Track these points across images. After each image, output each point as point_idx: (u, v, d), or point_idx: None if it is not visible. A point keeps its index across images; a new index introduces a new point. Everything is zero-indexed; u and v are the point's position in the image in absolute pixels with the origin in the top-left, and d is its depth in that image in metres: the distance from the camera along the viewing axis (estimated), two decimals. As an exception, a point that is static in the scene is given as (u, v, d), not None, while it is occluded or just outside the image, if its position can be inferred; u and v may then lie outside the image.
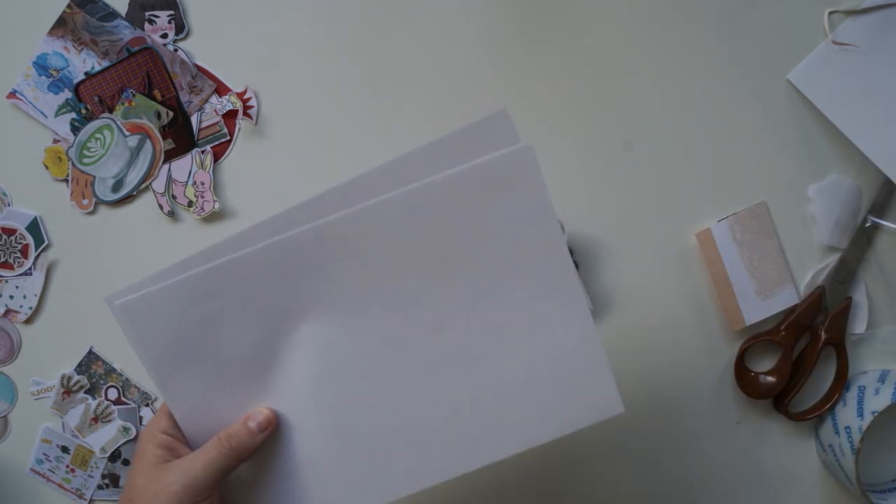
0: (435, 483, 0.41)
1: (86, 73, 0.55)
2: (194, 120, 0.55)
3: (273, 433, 0.41)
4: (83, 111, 0.56)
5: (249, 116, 0.55)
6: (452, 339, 0.40)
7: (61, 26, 0.55)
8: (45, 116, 0.56)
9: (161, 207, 0.56)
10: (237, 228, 0.55)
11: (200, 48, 0.55)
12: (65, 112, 0.56)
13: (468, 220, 0.39)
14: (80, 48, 0.55)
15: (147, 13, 0.55)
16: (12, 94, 0.56)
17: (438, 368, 0.41)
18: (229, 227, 0.56)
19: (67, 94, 0.56)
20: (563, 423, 0.40)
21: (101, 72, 0.55)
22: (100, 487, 0.60)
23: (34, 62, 0.56)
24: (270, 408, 0.41)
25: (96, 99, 0.56)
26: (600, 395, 0.40)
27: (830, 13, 0.51)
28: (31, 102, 0.56)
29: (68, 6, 0.55)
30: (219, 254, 0.40)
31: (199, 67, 0.55)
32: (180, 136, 0.56)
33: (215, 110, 0.55)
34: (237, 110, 0.55)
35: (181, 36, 0.55)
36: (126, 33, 0.55)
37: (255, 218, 0.55)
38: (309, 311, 0.41)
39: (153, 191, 0.56)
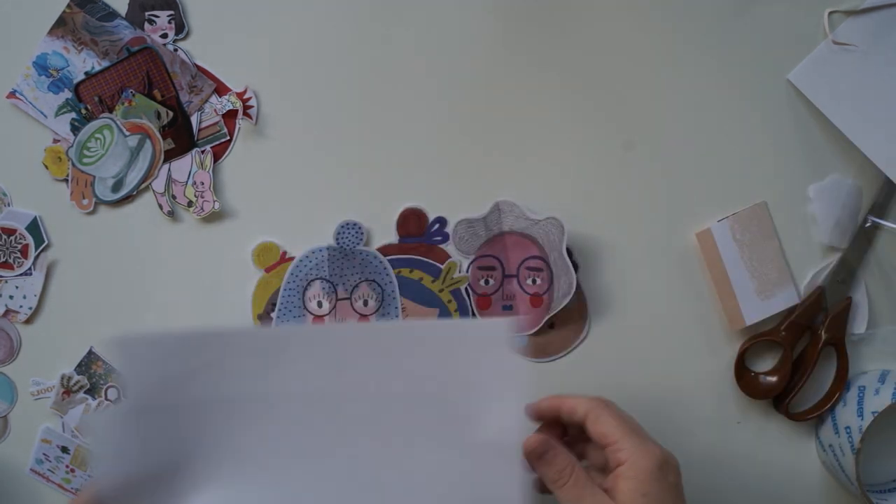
0: None
1: (86, 73, 0.55)
2: (194, 120, 0.55)
3: None
4: (83, 111, 0.56)
5: (249, 116, 0.55)
6: (392, 455, 0.42)
7: (61, 26, 0.55)
8: (45, 116, 0.56)
9: (161, 207, 0.56)
10: (237, 228, 0.56)
11: (200, 48, 0.55)
12: (65, 112, 0.56)
13: (444, 364, 0.42)
14: (79, 48, 0.55)
15: (147, 13, 0.55)
16: (12, 94, 0.56)
17: (363, 467, 0.42)
18: (229, 227, 0.56)
19: (67, 94, 0.56)
20: None
21: (100, 72, 0.55)
22: (100, 487, 0.60)
23: (34, 62, 0.56)
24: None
25: (96, 99, 0.56)
26: None
27: (830, 13, 0.51)
28: (30, 102, 0.56)
29: (68, 6, 0.55)
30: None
31: (198, 67, 0.55)
32: (180, 136, 0.56)
33: (215, 110, 0.55)
34: (237, 110, 0.55)
35: (181, 36, 0.55)
36: (126, 33, 0.55)
37: (255, 218, 0.56)
38: (270, 400, 0.42)
39: (153, 191, 0.56)
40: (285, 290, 0.55)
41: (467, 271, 0.55)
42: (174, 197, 0.56)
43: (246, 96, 0.55)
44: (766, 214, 0.53)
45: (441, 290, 0.55)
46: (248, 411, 0.42)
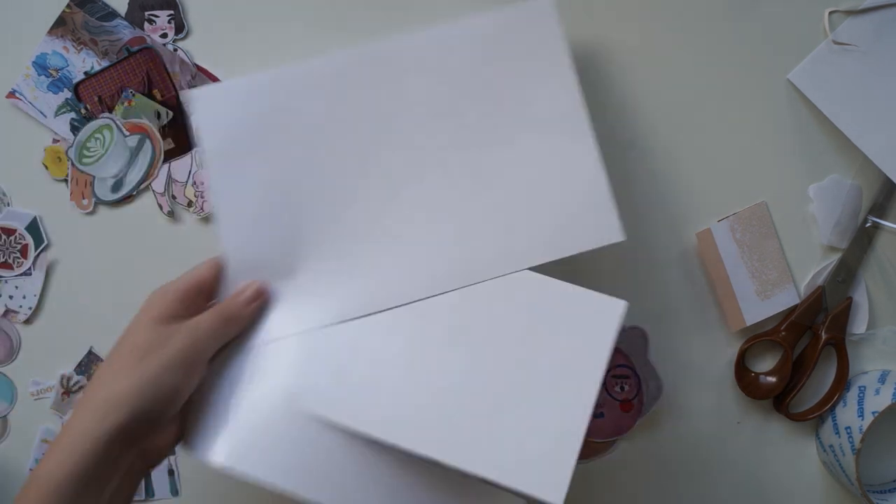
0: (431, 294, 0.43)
1: (85, 73, 0.55)
2: (194, 120, 0.55)
3: (265, 302, 0.44)
4: (83, 111, 0.56)
5: (249, 116, 0.55)
6: (469, 155, 0.45)
7: (61, 26, 0.55)
8: (45, 116, 0.56)
9: (161, 207, 0.56)
10: (237, 228, 0.56)
11: (200, 48, 0.55)
12: (64, 112, 0.56)
13: (491, 58, 0.46)
14: (79, 48, 0.55)
15: (147, 13, 0.55)
16: (12, 94, 0.56)
17: (454, 181, 0.45)
18: (229, 227, 0.56)
19: (67, 93, 0.56)
20: (565, 246, 0.44)
21: (100, 71, 0.55)
22: (99, 487, 0.60)
23: (34, 62, 0.56)
24: (261, 281, 0.44)
25: (96, 99, 0.56)
26: (602, 223, 0.44)
27: (830, 13, 0.51)
28: (30, 102, 0.56)
29: (68, 6, 0.55)
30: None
31: (198, 67, 0.55)
32: (180, 136, 0.56)
33: (215, 110, 0.55)
34: (237, 110, 0.55)
35: (181, 36, 0.55)
36: (126, 33, 0.55)
37: (255, 218, 0.56)
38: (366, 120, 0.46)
39: (153, 191, 0.56)
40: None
41: None
42: (174, 197, 0.56)
43: (246, 96, 0.55)
44: (766, 214, 0.53)
45: None
46: (332, 147, 0.46)
